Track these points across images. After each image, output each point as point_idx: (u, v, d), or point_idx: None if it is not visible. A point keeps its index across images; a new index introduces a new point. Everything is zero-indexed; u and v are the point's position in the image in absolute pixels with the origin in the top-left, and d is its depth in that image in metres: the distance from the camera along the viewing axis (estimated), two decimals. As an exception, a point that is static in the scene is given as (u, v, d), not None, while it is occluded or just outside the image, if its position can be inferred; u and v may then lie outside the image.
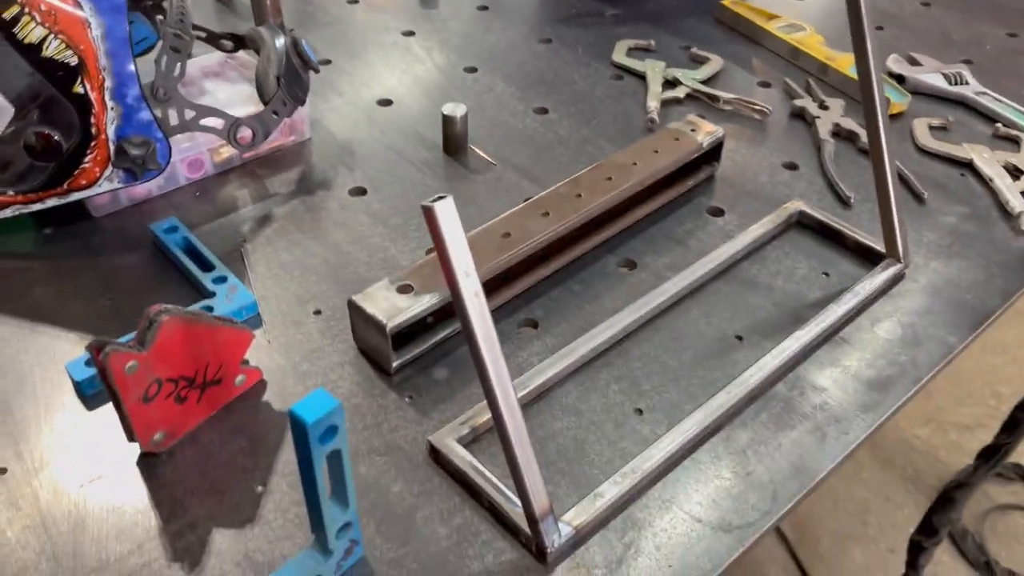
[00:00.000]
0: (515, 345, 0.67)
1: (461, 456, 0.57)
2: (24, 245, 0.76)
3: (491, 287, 0.69)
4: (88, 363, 0.62)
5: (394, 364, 0.64)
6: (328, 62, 1.02)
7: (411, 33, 1.09)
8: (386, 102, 0.96)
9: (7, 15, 0.65)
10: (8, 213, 0.73)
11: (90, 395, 0.62)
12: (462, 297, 0.47)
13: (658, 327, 0.69)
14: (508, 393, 0.49)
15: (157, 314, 0.54)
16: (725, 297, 0.72)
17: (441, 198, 0.46)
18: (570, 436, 0.60)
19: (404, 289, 0.64)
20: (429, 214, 0.46)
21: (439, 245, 0.47)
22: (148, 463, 0.58)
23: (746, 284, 0.73)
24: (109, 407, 0.60)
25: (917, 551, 1.36)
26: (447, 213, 0.46)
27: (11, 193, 0.72)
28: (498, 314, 0.70)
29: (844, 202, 0.83)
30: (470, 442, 0.60)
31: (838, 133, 0.91)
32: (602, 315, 0.69)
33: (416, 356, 0.65)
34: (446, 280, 0.48)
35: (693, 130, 0.82)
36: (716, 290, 0.73)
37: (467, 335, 0.48)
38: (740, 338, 0.68)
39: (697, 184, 0.84)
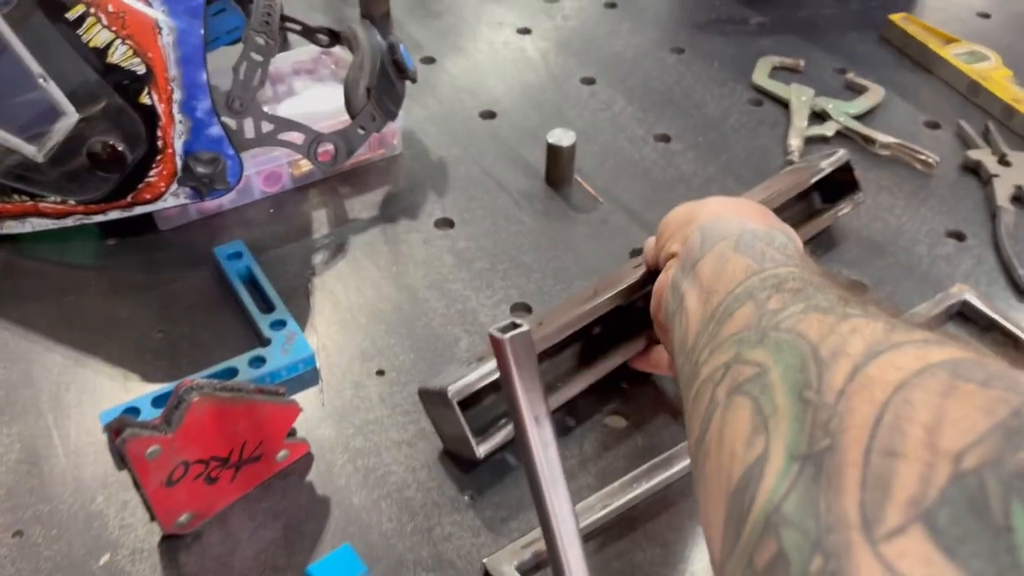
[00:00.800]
0: (599, 443, 0.57)
1: (518, 591, 0.48)
2: (85, 256, 0.70)
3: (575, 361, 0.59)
4: (109, 444, 0.56)
5: (478, 449, 0.52)
6: (432, 60, 0.93)
7: (527, 31, 0.98)
8: (490, 114, 0.86)
9: (71, 14, 0.59)
10: (69, 222, 0.68)
11: (123, 450, 0.56)
12: (529, 444, 0.38)
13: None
14: (573, 541, 0.40)
15: (187, 391, 0.47)
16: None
17: (516, 325, 0.37)
18: (654, 573, 0.51)
19: (479, 359, 0.54)
20: (498, 346, 0.37)
21: (506, 378, 0.38)
22: (170, 546, 0.51)
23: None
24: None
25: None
26: (521, 346, 0.37)
27: (72, 202, 0.66)
28: (583, 400, 0.60)
29: (1020, 289, 0.68)
30: (531, 568, 0.51)
31: (1020, 198, 0.76)
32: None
33: (504, 439, 0.54)
34: (513, 420, 0.38)
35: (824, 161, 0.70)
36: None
37: (532, 486, 0.39)
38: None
39: (830, 225, 0.71)
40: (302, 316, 0.65)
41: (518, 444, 0.39)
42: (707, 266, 0.42)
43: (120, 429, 0.46)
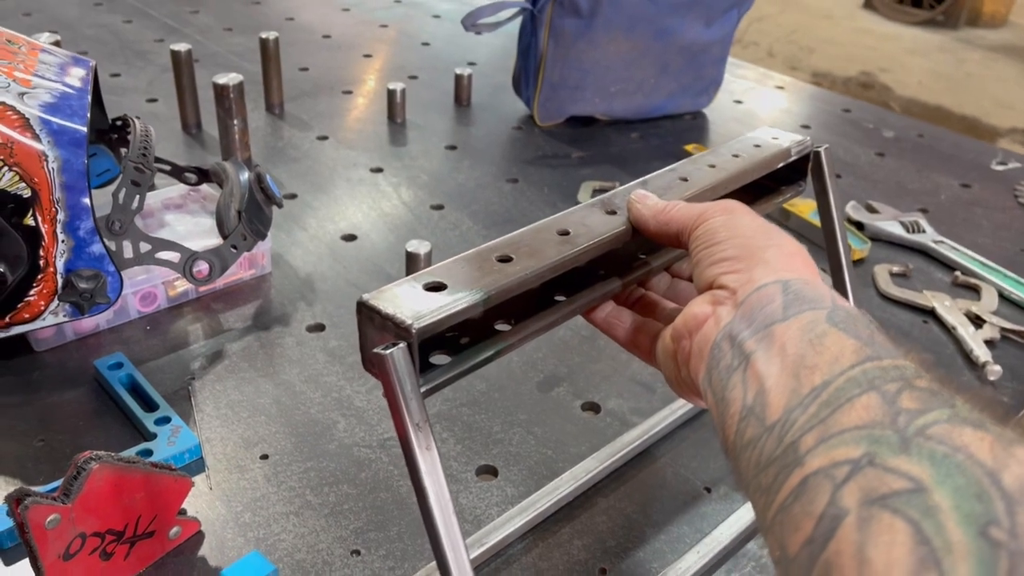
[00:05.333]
0: (473, 495, 0.64)
1: (410, 622, 0.53)
2: (-43, 380, 0.72)
3: (548, 293, 0.54)
4: (9, 514, 0.57)
5: (421, 388, 0.46)
6: (294, 196, 1.02)
7: (379, 170, 1.10)
8: (350, 237, 0.95)
9: (-39, 146, 0.64)
10: (-57, 346, 0.70)
11: (9, 548, 0.57)
12: (414, 452, 0.44)
13: (623, 476, 0.66)
14: (461, 559, 0.45)
15: (86, 462, 0.51)
16: (692, 445, 0.70)
17: (394, 345, 0.44)
18: (529, 598, 0.56)
19: (435, 287, 0.47)
20: (381, 362, 0.44)
21: (390, 394, 0.44)
22: (64, 628, 0.52)
23: (713, 432, 0.71)
24: (26, 565, 0.55)
25: None
26: (401, 362, 0.44)
27: (-52, 325, 0.68)
28: (455, 460, 0.66)
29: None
30: (421, 605, 0.55)
31: (801, 277, 0.91)
32: (565, 462, 0.66)
33: (446, 380, 0.49)
34: (397, 434, 0.45)
35: (775, 138, 0.65)
36: (682, 438, 0.70)
37: (419, 496, 0.45)
38: (708, 490, 0.65)
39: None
40: (185, 415, 0.68)
41: (406, 458, 0.45)
42: (792, 333, 0.38)
43: (20, 499, 0.48)
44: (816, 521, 0.30)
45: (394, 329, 0.45)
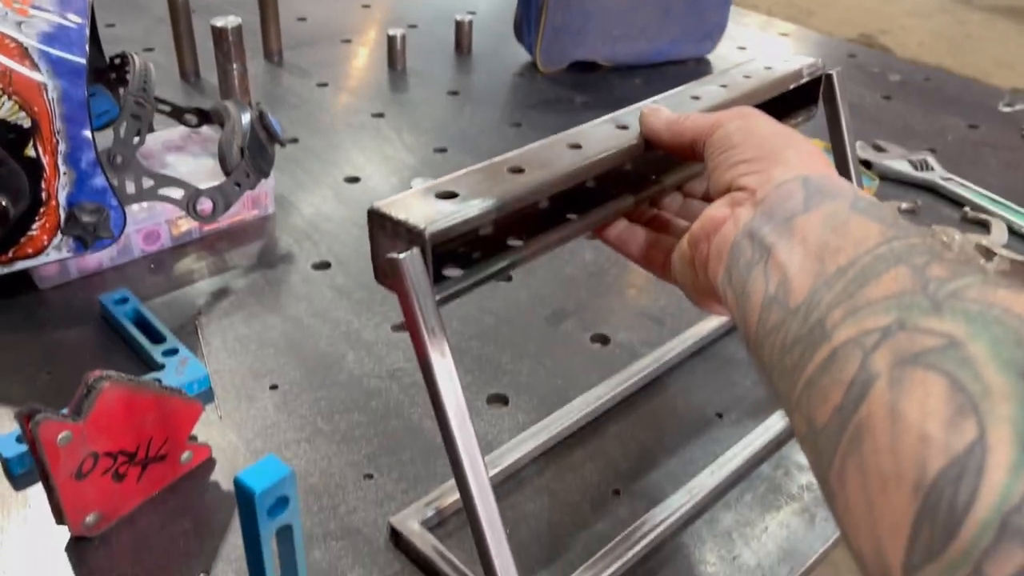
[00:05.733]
0: (485, 422, 0.63)
1: (425, 540, 0.52)
2: (-39, 317, 0.71)
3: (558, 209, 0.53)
4: (19, 439, 0.57)
5: (436, 296, 0.45)
6: (295, 140, 1.01)
7: (381, 115, 1.09)
8: (354, 179, 0.94)
9: (-41, 74, 0.63)
10: (-54, 281, 0.69)
11: (18, 475, 0.57)
12: (430, 359, 0.44)
13: (634, 404, 0.66)
14: (478, 467, 0.45)
15: (96, 380, 0.50)
16: (703, 375, 0.69)
17: (408, 250, 0.43)
18: (544, 519, 0.56)
19: (447, 195, 0.46)
20: (395, 267, 0.43)
21: (405, 300, 0.44)
22: (78, 548, 0.52)
23: (724, 361, 0.71)
24: (38, 488, 0.55)
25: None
26: (415, 266, 0.43)
27: (-50, 260, 0.68)
28: (465, 390, 0.66)
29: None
30: (435, 525, 0.55)
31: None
32: (575, 391, 0.66)
33: (460, 290, 0.48)
34: (413, 342, 0.44)
35: (786, 61, 0.64)
36: (693, 367, 0.70)
37: (435, 405, 0.44)
38: (720, 416, 0.65)
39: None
40: (192, 348, 0.68)
41: (423, 370, 0.45)
42: (814, 223, 0.37)
43: (31, 415, 0.48)
44: (846, 388, 0.30)
45: (406, 236, 0.45)
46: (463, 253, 0.50)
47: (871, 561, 0.27)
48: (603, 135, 0.52)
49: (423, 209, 0.45)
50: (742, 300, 0.39)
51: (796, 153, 0.42)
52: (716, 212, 0.43)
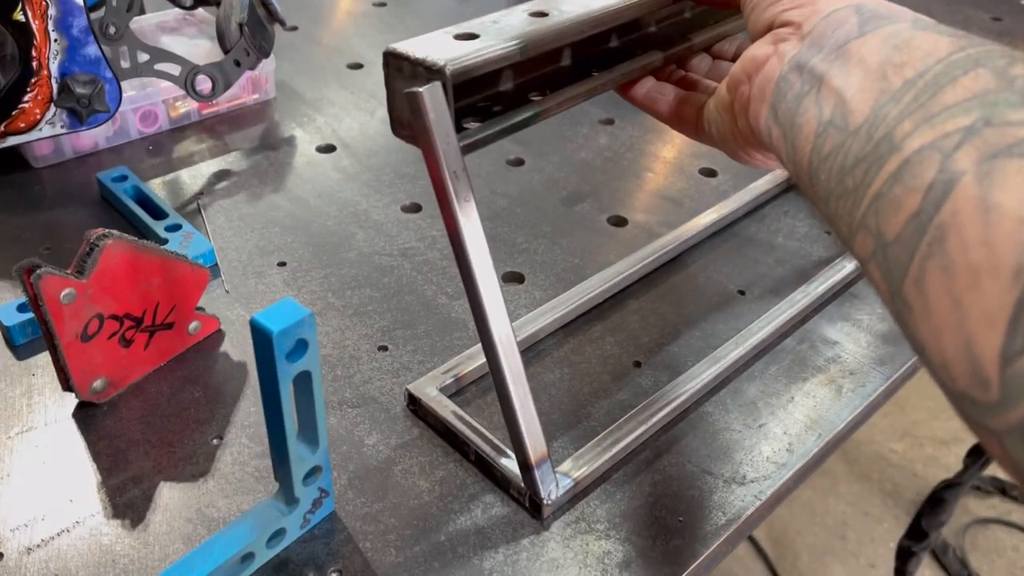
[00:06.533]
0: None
1: (443, 405, 0.51)
2: (-47, 194, 0.68)
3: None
4: (20, 308, 0.55)
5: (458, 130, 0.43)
6: (295, 28, 0.97)
7: (383, 4, 1.04)
8: (356, 66, 0.90)
9: (-61, -73, 0.59)
10: (-64, 156, 0.66)
11: (21, 344, 0.55)
12: (452, 202, 0.42)
13: (654, 281, 0.64)
14: (504, 324, 0.43)
15: (99, 238, 0.48)
16: (724, 254, 0.67)
17: (431, 76, 0.40)
18: (564, 388, 0.54)
19: (468, 36, 0.44)
20: (415, 101, 0.40)
21: (425, 137, 0.41)
22: (86, 414, 0.50)
23: (745, 241, 0.69)
24: (41, 358, 0.53)
25: (906, 557, 1.31)
26: (436, 101, 0.40)
27: (-60, 133, 0.65)
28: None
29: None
30: (453, 393, 0.53)
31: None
32: (593, 269, 0.64)
33: (481, 139, 0.45)
34: (435, 189, 0.42)
35: None
36: (713, 247, 0.68)
37: (455, 245, 0.42)
38: (742, 292, 0.63)
39: None
40: (196, 226, 0.65)
41: (440, 200, 0.42)
42: (873, 44, 0.35)
43: (32, 269, 0.45)
44: (924, 193, 0.27)
45: (425, 75, 0.42)
46: (483, 107, 0.48)
47: (957, 362, 0.26)
48: None
49: (443, 48, 0.42)
50: (792, 133, 0.37)
51: None
52: (758, 51, 0.40)
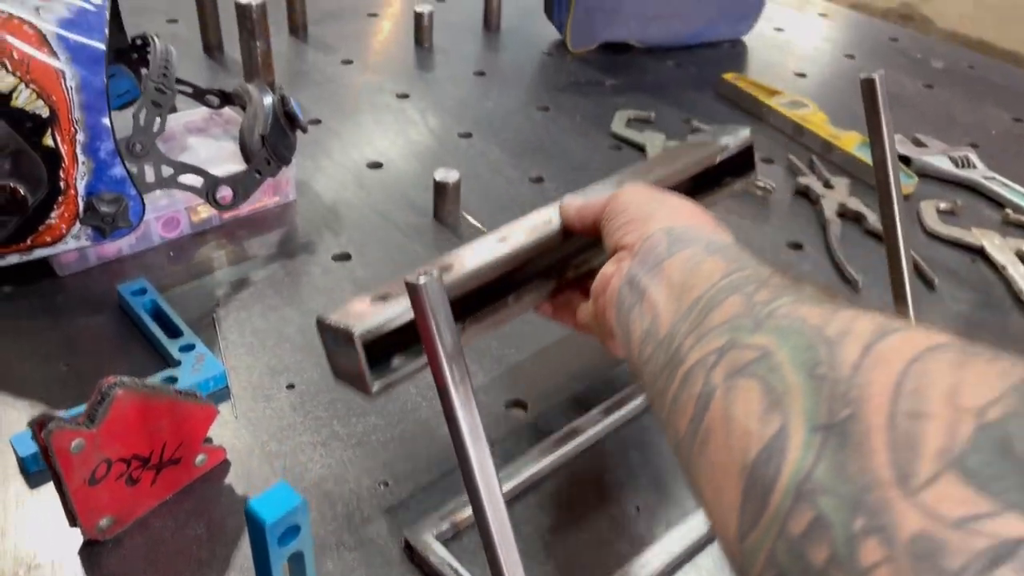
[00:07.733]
0: (504, 429, 0.62)
1: (439, 555, 0.52)
2: (-20, 303, 0.71)
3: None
4: (33, 438, 0.57)
5: (373, 385, 0.50)
6: (318, 122, 0.99)
7: (406, 96, 1.07)
8: (376, 165, 0.92)
9: (-24, 61, 0.62)
10: (-34, 268, 0.68)
11: (35, 472, 0.57)
12: (448, 385, 0.43)
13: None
14: (494, 491, 0.44)
15: (110, 387, 0.49)
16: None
17: (428, 274, 0.42)
18: (559, 534, 0.55)
19: (382, 298, 0.52)
20: (414, 292, 0.42)
21: (424, 325, 0.42)
22: (91, 551, 0.52)
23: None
24: (52, 487, 0.55)
25: None
26: (435, 292, 0.42)
27: (-31, 247, 0.67)
28: (484, 395, 0.65)
29: (852, 285, 0.79)
30: (450, 539, 0.54)
31: (844, 213, 0.88)
32: (594, 397, 0.64)
33: (401, 378, 0.52)
34: (430, 366, 0.43)
35: (719, 136, 0.67)
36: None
37: (451, 427, 0.43)
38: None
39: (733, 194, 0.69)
40: (210, 343, 0.67)
41: (440, 392, 0.43)
42: (676, 266, 0.43)
43: (44, 423, 0.47)
44: (695, 402, 0.35)
45: (344, 338, 0.50)
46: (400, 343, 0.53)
47: (721, 535, 0.32)
48: (530, 226, 0.57)
49: (358, 315, 0.50)
50: (626, 337, 0.45)
51: (664, 208, 0.50)
52: (607, 269, 0.50)
